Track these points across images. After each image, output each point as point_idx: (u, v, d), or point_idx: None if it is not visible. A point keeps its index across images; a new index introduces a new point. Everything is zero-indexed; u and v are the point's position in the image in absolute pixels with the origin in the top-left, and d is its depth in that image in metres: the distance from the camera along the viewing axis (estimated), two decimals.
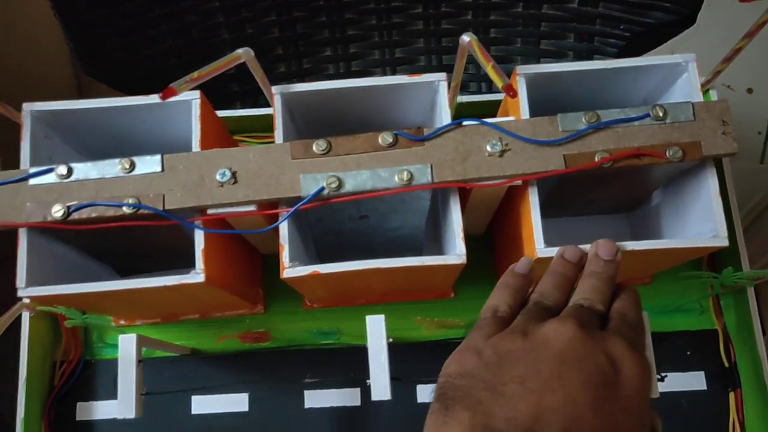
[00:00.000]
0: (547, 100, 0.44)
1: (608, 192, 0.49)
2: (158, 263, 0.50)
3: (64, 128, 0.45)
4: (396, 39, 0.63)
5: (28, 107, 0.43)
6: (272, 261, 0.57)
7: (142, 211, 0.39)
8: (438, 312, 0.56)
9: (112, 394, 0.54)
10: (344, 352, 0.55)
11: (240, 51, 0.40)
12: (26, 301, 0.50)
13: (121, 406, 0.41)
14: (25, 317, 0.52)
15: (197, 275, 0.40)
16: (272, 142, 0.42)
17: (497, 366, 0.29)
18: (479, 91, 0.66)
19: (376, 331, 0.42)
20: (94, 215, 0.39)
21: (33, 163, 0.42)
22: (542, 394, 0.27)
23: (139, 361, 0.42)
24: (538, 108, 0.42)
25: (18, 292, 0.40)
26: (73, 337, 0.55)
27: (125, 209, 0.39)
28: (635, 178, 0.46)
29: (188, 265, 0.41)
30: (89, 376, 0.55)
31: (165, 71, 0.59)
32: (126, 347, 0.42)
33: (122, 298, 0.44)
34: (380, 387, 0.41)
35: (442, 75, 0.43)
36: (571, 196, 0.49)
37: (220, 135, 0.48)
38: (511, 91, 0.37)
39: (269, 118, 0.53)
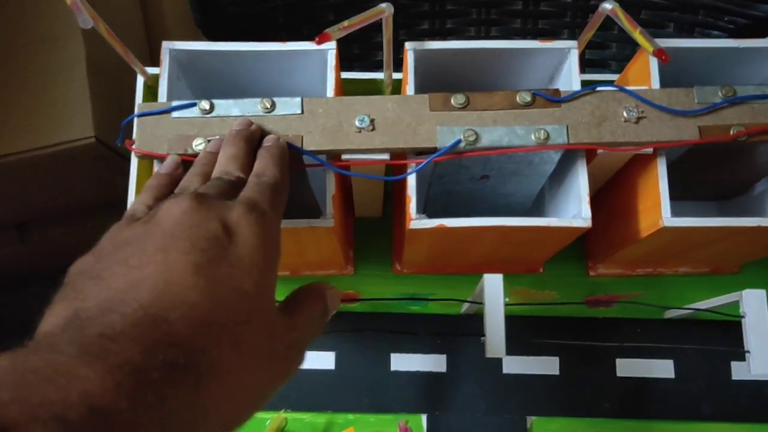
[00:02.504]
0: (667, 75, 0.44)
1: (716, 176, 0.49)
2: None
3: (192, 70, 0.46)
4: (494, 17, 0.64)
5: (167, 45, 0.43)
6: (362, 224, 0.58)
7: None
8: (527, 286, 0.56)
9: None
10: (432, 318, 0.55)
11: (383, 5, 0.41)
12: None
13: None
14: None
15: (327, 220, 0.41)
16: None
17: (108, 255, 0.27)
18: None
19: (494, 289, 0.42)
20: None
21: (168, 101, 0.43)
22: (142, 268, 0.26)
23: None
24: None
25: None
26: None
27: None
28: (752, 161, 0.47)
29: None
30: None
31: (266, 30, 0.60)
32: None
33: None
34: (496, 345, 0.42)
35: (574, 42, 0.44)
36: (678, 176, 0.49)
37: (342, 91, 0.48)
38: (664, 56, 0.37)
39: (372, 83, 0.55)
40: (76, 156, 0.65)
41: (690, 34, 0.60)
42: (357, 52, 0.63)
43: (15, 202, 0.76)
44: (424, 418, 0.53)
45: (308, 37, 0.47)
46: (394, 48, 0.45)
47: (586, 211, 0.41)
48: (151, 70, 0.52)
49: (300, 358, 0.30)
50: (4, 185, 0.70)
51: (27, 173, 0.68)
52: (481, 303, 0.43)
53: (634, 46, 0.65)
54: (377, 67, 0.62)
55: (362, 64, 0.63)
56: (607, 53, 0.64)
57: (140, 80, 0.53)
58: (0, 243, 0.82)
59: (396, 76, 0.52)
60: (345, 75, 0.55)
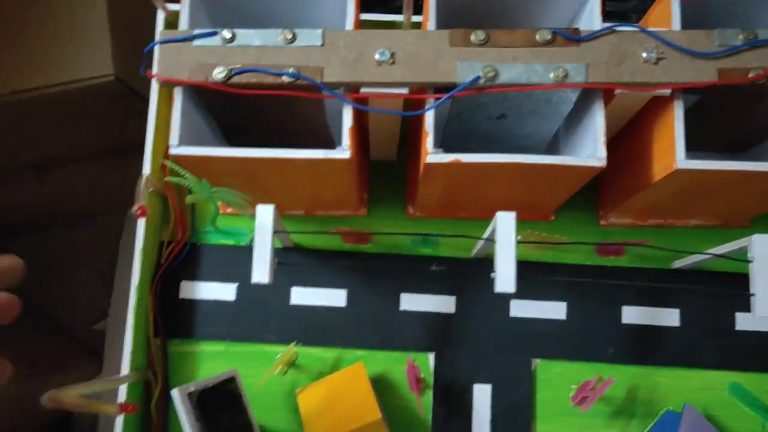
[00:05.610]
0: (689, 20, 0.44)
1: (732, 124, 0.49)
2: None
3: (212, 2, 0.46)
4: None
5: None
6: (377, 167, 0.58)
7: (300, 81, 0.40)
8: (538, 231, 0.57)
9: (214, 276, 0.56)
10: (442, 260, 0.56)
11: None
12: (147, 173, 0.52)
13: (256, 271, 0.43)
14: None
15: (344, 151, 0.41)
16: None
17: None
18: None
19: (506, 226, 0.43)
20: (253, 81, 0.40)
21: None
22: None
23: (274, 231, 0.44)
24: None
25: (170, 150, 0.41)
26: (181, 220, 0.56)
27: (284, 78, 0.40)
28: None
29: None
30: (194, 258, 0.57)
31: None
32: (263, 216, 0.43)
33: (256, 171, 0.45)
34: (506, 280, 0.43)
35: None
36: (695, 125, 0.50)
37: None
38: None
39: (391, 26, 0.55)
40: (95, 94, 0.65)
41: None
42: None
43: (33, 142, 0.77)
44: (431, 356, 0.54)
45: None
46: None
47: (602, 151, 0.41)
48: (171, 7, 0.52)
49: None
50: (22, 124, 0.71)
51: (45, 111, 0.69)
52: (493, 240, 0.44)
53: None
54: (397, 11, 0.62)
55: (382, 10, 0.63)
56: (627, 5, 0.63)
57: (160, 16, 0.53)
58: (19, 185, 0.83)
59: (415, 19, 0.52)
60: (364, 17, 0.55)
